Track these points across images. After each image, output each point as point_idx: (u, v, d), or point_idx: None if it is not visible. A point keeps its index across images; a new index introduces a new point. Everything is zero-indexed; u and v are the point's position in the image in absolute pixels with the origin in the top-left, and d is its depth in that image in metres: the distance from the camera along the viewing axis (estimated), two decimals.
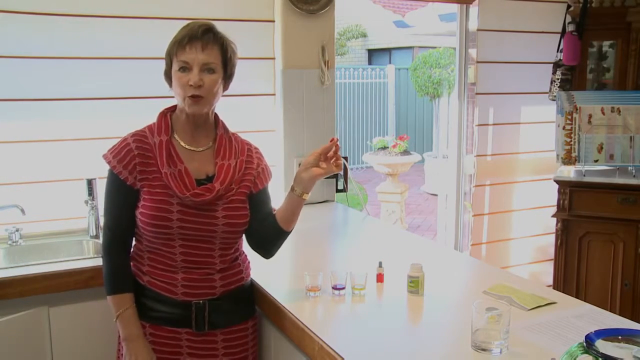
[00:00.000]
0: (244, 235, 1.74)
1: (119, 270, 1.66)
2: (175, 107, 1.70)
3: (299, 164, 2.86)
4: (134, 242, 1.69)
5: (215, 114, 1.73)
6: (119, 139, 1.66)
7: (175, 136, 1.67)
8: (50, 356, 2.01)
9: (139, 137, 1.64)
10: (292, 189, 1.68)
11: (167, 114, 1.69)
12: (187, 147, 1.67)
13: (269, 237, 1.73)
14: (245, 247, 1.79)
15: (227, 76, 1.66)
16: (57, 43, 2.40)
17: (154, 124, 1.67)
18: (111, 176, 1.64)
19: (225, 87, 1.69)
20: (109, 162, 1.63)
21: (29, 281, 1.94)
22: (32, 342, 1.97)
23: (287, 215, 1.71)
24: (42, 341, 1.98)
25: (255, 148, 1.79)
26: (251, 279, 1.81)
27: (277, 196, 2.85)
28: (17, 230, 2.31)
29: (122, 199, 1.63)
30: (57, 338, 2.01)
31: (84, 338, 2.04)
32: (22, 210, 2.29)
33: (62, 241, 2.37)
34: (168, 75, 1.65)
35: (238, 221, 1.65)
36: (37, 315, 1.97)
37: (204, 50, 1.58)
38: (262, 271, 1.88)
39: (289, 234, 1.74)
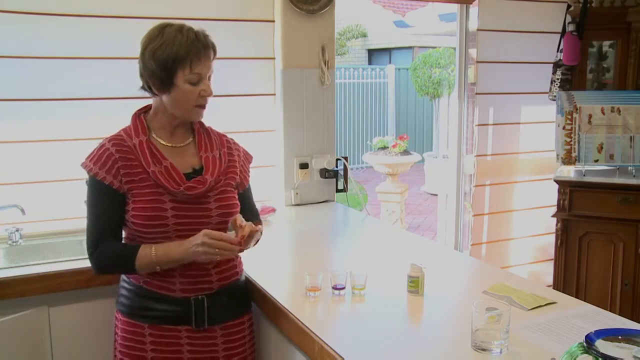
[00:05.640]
0: None
1: (118, 248, 1.62)
2: (147, 107, 1.70)
3: (299, 164, 2.90)
4: None
5: None
6: (96, 146, 1.63)
7: (153, 135, 1.67)
8: (50, 356, 2.01)
9: (117, 140, 1.63)
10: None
11: (140, 115, 1.69)
12: (167, 144, 1.68)
13: None
14: None
15: None
16: (57, 43, 2.40)
17: (128, 127, 1.66)
18: (95, 184, 1.60)
19: None
20: (89, 170, 1.60)
21: (29, 281, 1.94)
22: (32, 342, 1.96)
23: None
24: (42, 341, 1.98)
25: (231, 139, 1.82)
26: (245, 275, 1.83)
27: (277, 195, 2.87)
28: (17, 230, 2.31)
29: (108, 205, 1.60)
30: (57, 338, 2.01)
31: (84, 338, 2.04)
32: (22, 210, 2.29)
33: (62, 241, 2.37)
34: (164, 84, 1.58)
35: (231, 210, 1.67)
36: (37, 315, 1.97)
37: (211, 59, 1.61)
38: (262, 271, 1.89)
39: None
